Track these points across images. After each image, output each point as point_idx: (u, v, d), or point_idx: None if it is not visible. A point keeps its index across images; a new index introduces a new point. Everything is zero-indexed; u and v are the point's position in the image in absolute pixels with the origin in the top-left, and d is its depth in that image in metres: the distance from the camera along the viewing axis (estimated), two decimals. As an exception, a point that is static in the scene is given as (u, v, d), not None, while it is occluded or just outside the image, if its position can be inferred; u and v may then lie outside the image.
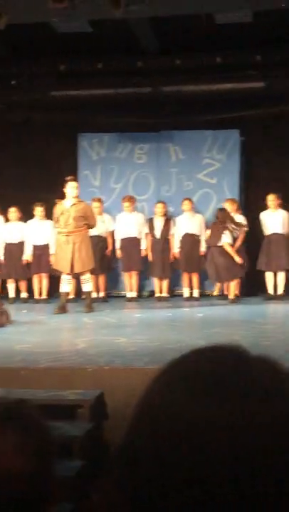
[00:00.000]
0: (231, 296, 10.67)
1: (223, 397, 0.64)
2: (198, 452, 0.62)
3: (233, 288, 10.76)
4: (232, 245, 10.73)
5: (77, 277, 10.75)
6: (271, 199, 10.98)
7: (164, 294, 11.20)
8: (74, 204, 9.62)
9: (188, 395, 0.65)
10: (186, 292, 11.23)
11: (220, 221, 10.70)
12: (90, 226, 9.81)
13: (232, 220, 10.71)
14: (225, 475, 0.61)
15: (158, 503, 0.63)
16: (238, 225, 10.78)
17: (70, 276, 9.82)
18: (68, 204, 9.64)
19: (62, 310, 9.61)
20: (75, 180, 9.98)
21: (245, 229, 10.94)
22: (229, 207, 10.95)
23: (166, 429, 0.64)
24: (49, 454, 1.41)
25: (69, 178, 9.86)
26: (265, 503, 0.61)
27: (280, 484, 0.61)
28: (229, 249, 10.62)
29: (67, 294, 9.97)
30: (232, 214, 10.87)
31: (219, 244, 10.66)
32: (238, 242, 10.83)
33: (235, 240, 10.84)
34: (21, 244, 11.42)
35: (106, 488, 0.68)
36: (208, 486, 0.61)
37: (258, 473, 0.61)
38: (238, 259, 10.59)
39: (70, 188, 9.63)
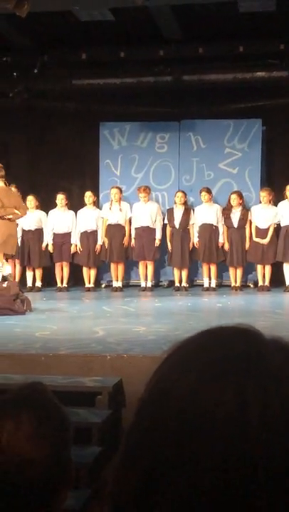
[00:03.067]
0: None
1: (236, 379, 0.62)
2: (209, 437, 0.61)
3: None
4: None
5: (97, 266, 10.94)
6: (289, 189, 10.92)
7: (184, 284, 11.21)
8: None
9: (199, 377, 0.63)
10: (205, 282, 11.23)
11: None
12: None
13: None
14: (236, 461, 0.60)
15: (162, 488, 0.61)
16: None
17: None
18: None
19: None
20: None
21: None
22: (266, 197, 10.95)
23: (175, 412, 0.63)
24: (65, 440, 1.41)
25: None
26: (274, 492, 0.59)
27: None
28: None
29: None
30: (267, 204, 10.93)
31: None
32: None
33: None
34: (38, 231, 11.46)
35: (114, 473, 0.66)
36: (215, 472, 0.60)
37: (273, 461, 0.60)
38: None
39: None
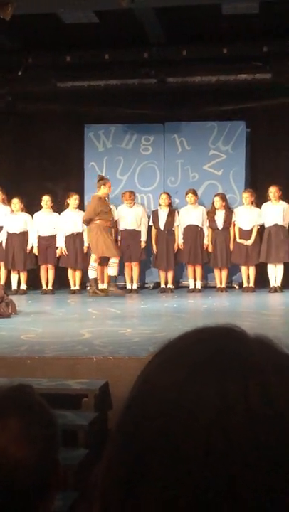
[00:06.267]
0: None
1: (218, 380, 0.62)
2: (192, 440, 0.61)
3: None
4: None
5: (83, 268, 11.11)
6: (273, 191, 10.98)
7: (170, 286, 11.23)
8: None
9: (183, 378, 0.64)
10: (191, 284, 11.26)
11: None
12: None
13: None
14: (218, 464, 0.59)
15: (146, 489, 0.61)
16: None
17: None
18: None
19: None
20: None
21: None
22: (248, 198, 11.01)
23: (159, 413, 0.63)
24: (53, 442, 1.41)
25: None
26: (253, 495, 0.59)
27: (274, 479, 0.59)
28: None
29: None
30: (250, 206, 10.98)
31: None
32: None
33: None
34: (23, 234, 11.42)
35: (100, 471, 0.66)
36: (197, 474, 0.60)
37: (256, 465, 0.59)
38: None
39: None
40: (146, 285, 11.71)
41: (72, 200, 11.29)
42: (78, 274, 11.40)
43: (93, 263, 10.75)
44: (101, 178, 10.90)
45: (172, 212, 11.26)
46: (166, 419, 0.62)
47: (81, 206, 11.51)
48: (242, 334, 0.69)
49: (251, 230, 11.12)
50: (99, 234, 10.58)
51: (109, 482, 0.65)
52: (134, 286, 11.26)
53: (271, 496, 0.59)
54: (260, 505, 0.59)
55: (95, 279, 10.81)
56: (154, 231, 11.32)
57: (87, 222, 10.72)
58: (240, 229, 11.15)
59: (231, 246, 11.16)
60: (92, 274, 10.80)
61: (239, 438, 0.60)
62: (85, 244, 11.38)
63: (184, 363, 0.65)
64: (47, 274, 11.44)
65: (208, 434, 0.61)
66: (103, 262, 11.02)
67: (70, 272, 11.38)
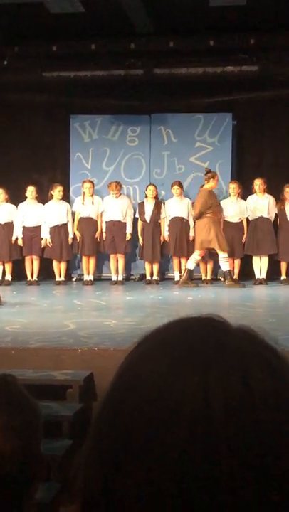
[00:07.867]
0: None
1: (199, 370, 0.62)
2: (174, 431, 0.60)
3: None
4: None
5: (68, 259, 11.00)
6: (258, 183, 11.01)
7: (155, 278, 11.23)
8: None
9: (168, 366, 0.64)
10: (176, 276, 11.27)
11: None
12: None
13: None
14: (200, 455, 0.59)
15: (127, 481, 0.61)
16: None
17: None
18: None
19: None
20: None
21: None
22: (235, 189, 11.03)
23: (139, 405, 0.62)
24: (36, 432, 1.40)
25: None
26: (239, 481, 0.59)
27: (257, 466, 0.59)
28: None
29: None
30: (236, 197, 10.99)
31: None
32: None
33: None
34: (8, 225, 11.37)
35: (83, 461, 0.65)
36: (179, 466, 0.59)
37: (237, 455, 0.60)
38: None
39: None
40: (131, 277, 11.71)
41: (56, 192, 11.24)
42: (63, 266, 11.38)
43: (224, 254, 10.54)
44: (209, 171, 10.79)
45: (158, 204, 11.26)
46: (148, 409, 0.62)
47: (66, 197, 11.48)
48: (224, 324, 0.69)
49: (238, 223, 11.15)
50: (211, 227, 10.47)
51: (90, 472, 0.64)
52: (120, 278, 11.26)
53: (255, 483, 0.59)
54: (245, 493, 0.59)
55: (230, 271, 10.66)
56: (140, 223, 11.31)
57: (199, 215, 10.56)
58: (226, 221, 11.17)
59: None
60: (225, 266, 10.63)
61: (222, 426, 0.60)
62: (70, 236, 11.35)
63: (167, 353, 0.65)
64: (32, 265, 11.40)
65: (191, 423, 0.61)
66: (91, 252, 10.98)
67: (54, 263, 11.36)
